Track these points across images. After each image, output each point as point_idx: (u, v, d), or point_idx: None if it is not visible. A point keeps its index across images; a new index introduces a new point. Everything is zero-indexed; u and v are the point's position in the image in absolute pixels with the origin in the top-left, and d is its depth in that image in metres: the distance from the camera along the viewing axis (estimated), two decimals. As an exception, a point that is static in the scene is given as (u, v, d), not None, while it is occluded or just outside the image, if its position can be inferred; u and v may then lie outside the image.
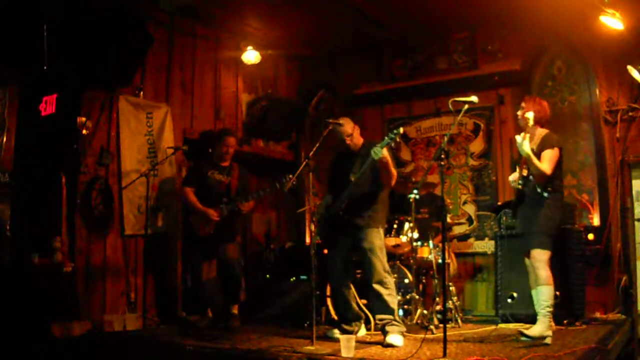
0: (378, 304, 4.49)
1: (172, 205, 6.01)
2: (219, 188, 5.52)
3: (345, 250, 4.70)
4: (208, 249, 5.51)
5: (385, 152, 4.30)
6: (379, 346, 4.27)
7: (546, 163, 4.22)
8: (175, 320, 5.80)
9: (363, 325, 4.83)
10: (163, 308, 5.87)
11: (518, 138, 4.21)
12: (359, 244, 4.54)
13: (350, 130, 4.72)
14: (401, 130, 4.27)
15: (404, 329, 4.50)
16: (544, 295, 4.18)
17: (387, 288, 4.46)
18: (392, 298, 4.48)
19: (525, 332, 4.17)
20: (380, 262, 4.48)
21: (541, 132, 4.40)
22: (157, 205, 5.85)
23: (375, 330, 4.74)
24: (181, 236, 6.11)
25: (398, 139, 4.29)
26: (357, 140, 4.77)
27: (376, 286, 4.44)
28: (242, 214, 5.69)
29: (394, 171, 4.50)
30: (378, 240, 4.53)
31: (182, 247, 6.13)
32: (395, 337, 4.28)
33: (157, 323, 5.62)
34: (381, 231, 4.62)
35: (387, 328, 4.38)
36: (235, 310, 5.53)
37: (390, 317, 4.43)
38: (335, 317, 5.23)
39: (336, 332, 4.63)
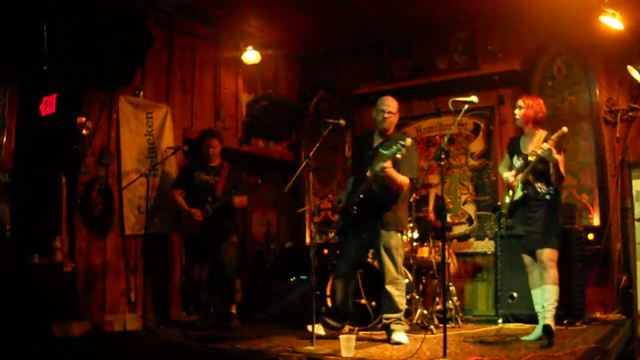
0: (387, 303, 4.52)
1: (171, 205, 6.00)
2: (205, 188, 5.49)
3: (358, 246, 4.70)
4: (201, 249, 5.50)
5: (386, 165, 4.25)
6: (380, 345, 4.28)
7: (562, 168, 4.28)
8: (174, 320, 5.79)
9: (346, 326, 4.81)
10: (163, 308, 5.87)
11: (545, 145, 4.14)
12: (375, 243, 4.54)
13: (393, 108, 4.69)
14: (408, 141, 4.17)
15: (408, 327, 4.55)
16: (553, 294, 4.22)
17: (398, 289, 4.50)
18: (402, 299, 4.53)
19: (548, 323, 4.14)
20: (395, 263, 4.49)
21: (541, 134, 4.40)
22: (157, 205, 5.85)
23: (381, 329, 4.75)
24: (180, 236, 6.11)
25: (405, 151, 4.17)
26: (392, 125, 4.71)
27: (388, 287, 4.47)
28: (235, 213, 5.66)
29: (399, 180, 4.42)
30: (395, 242, 4.52)
31: (181, 247, 6.13)
32: (401, 335, 4.34)
33: (157, 323, 5.61)
34: (399, 234, 4.57)
35: (393, 326, 4.43)
36: (233, 310, 5.51)
37: (397, 315, 4.47)
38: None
39: (319, 329, 4.60)
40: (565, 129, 4.18)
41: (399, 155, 4.19)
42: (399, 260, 4.53)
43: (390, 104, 4.71)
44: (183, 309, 6.08)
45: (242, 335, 4.84)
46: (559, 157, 4.23)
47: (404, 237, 5.54)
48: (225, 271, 5.46)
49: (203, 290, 5.55)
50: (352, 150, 4.66)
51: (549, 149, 4.12)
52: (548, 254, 4.25)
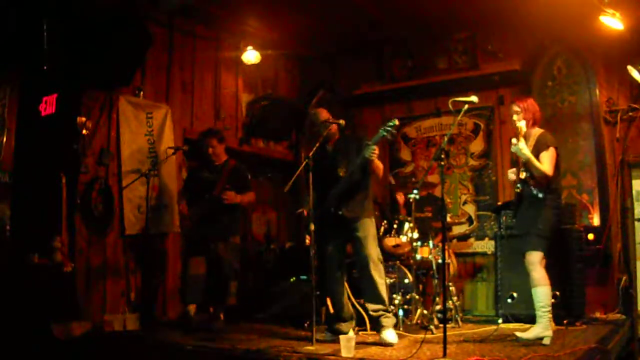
0: (371, 294, 4.49)
1: (172, 205, 6.01)
2: (206, 187, 5.43)
3: (338, 247, 4.68)
4: (196, 245, 5.44)
5: (377, 149, 4.34)
6: (379, 346, 4.27)
7: (547, 164, 4.19)
8: (174, 320, 5.79)
9: (352, 329, 4.74)
10: (163, 308, 5.87)
11: (514, 141, 4.17)
12: (353, 235, 4.53)
13: (327, 116, 4.72)
14: (396, 122, 4.25)
15: (394, 320, 4.56)
16: (539, 296, 4.16)
17: (381, 277, 4.50)
18: (384, 288, 4.52)
19: (520, 335, 4.15)
20: (375, 249, 4.51)
21: (536, 132, 4.38)
22: (157, 205, 5.85)
23: (371, 326, 4.74)
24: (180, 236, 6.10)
25: (394, 131, 4.27)
26: (335, 131, 4.75)
27: (372, 271, 4.45)
28: (238, 213, 5.62)
29: (380, 165, 4.62)
30: (372, 229, 4.57)
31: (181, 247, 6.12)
32: (389, 333, 4.32)
33: (156, 323, 5.60)
34: (373, 221, 4.65)
35: (383, 321, 4.40)
36: (220, 313, 5.42)
37: (383, 307, 4.45)
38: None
39: (325, 335, 4.60)
40: (519, 123, 4.20)
41: (389, 137, 4.34)
42: (377, 248, 4.57)
43: (323, 115, 4.75)
44: (183, 309, 6.06)
45: (242, 335, 4.83)
46: (544, 153, 4.19)
47: (404, 238, 5.60)
48: (221, 271, 5.35)
49: (191, 286, 5.45)
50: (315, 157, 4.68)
51: (516, 145, 4.12)
52: (528, 257, 4.19)
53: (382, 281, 4.49)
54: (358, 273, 4.70)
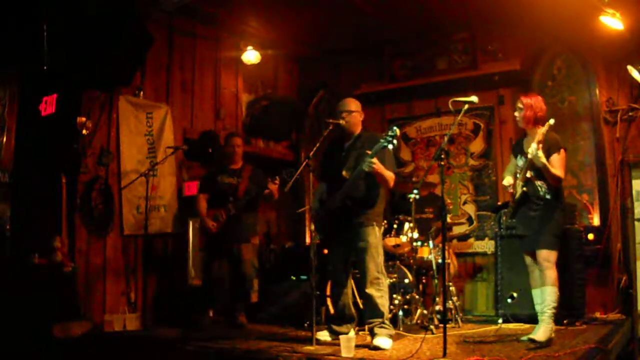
0: (368, 307, 4.40)
1: (171, 205, 6.02)
2: (228, 191, 5.50)
3: (343, 248, 4.57)
4: (218, 248, 5.47)
5: (375, 162, 4.17)
6: (371, 350, 4.19)
7: (559, 169, 4.17)
8: (174, 320, 5.79)
9: (352, 330, 4.68)
10: (163, 308, 5.86)
11: (534, 146, 4.08)
12: (355, 242, 4.42)
13: (351, 107, 4.62)
14: (397, 131, 4.10)
15: (393, 332, 4.41)
16: (550, 295, 4.15)
17: (379, 290, 4.34)
18: (384, 300, 4.37)
19: (534, 337, 4.04)
20: (374, 262, 4.35)
21: (540, 131, 4.35)
22: (157, 205, 5.85)
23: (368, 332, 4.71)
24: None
25: (395, 142, 4.08)
26: (354, 123, 4.62)
27: (368, 289, 4.33)
28: (258, 213, 5.72)
29: (387, 175, 4.34)
30: (374, 239, 4.38)
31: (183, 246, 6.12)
32: (382, 340, 4.18)
33: (156, 323, 5.61)
34: (377, 229, 4.45)
35: (376, 330, 4.30)
36: (242, 310, 5.48)
37: (380, 320, 4.33)
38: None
39: (324, 335, 4.54)
40: (551, 121, 4.09)
41: (390, 146, 4.11)
42: (379, 258, 4.39)
43: (346, 103, 4.67)
44: (186, 309, 6.06)
45: (242, 335, 4.83)
46: (556, 156, 4.17)
47: (404, 238, 5.59)
48: (245, 272, 5.44)
49: (220, 288, 5.49)
50: (318, 157, 4.58)
51: (536, 151, 4.04)
52: (545, 255, 4.19)
53: (380, 294, 4.34)
54: (358, 282, 4.63)
